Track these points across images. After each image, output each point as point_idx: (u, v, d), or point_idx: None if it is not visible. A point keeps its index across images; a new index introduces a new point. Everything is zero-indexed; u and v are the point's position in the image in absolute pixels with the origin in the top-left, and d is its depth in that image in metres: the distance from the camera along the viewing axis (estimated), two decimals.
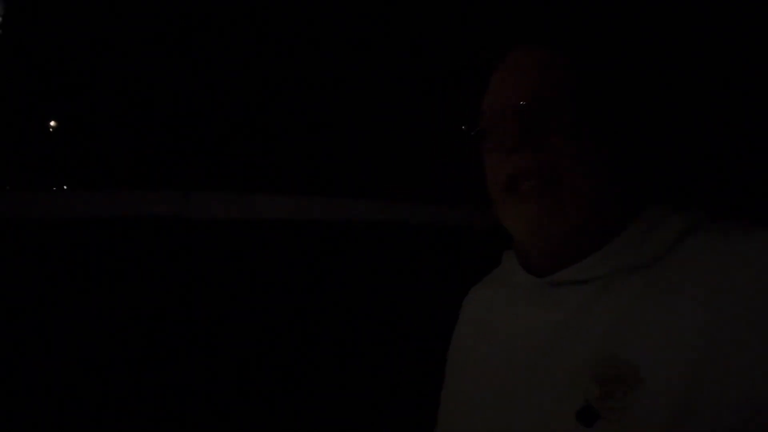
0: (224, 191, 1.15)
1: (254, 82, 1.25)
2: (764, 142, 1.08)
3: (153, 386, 1.05)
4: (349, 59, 1.33)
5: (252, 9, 1.24)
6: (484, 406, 0.61)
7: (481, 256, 0.83)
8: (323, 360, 1.21)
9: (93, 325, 1.03)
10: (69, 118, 1.16)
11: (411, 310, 1.31)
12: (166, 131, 1.19)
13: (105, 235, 1.05)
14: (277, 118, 1.29)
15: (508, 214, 0.61)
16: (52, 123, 1.15)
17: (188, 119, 1.20)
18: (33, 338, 0.98)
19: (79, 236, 1.04)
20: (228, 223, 1.15)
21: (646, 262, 0.54)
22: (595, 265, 0.57)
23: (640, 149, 0.64)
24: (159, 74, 1.17)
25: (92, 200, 1.05)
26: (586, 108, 0.59)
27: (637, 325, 0.51)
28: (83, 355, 1.01)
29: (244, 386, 1.13)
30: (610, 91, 0.62)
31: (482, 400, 0.62)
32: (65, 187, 1.15)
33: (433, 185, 1.40)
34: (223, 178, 1.22)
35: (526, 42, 0.65)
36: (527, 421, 0.55)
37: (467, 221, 1.39)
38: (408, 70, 1.38)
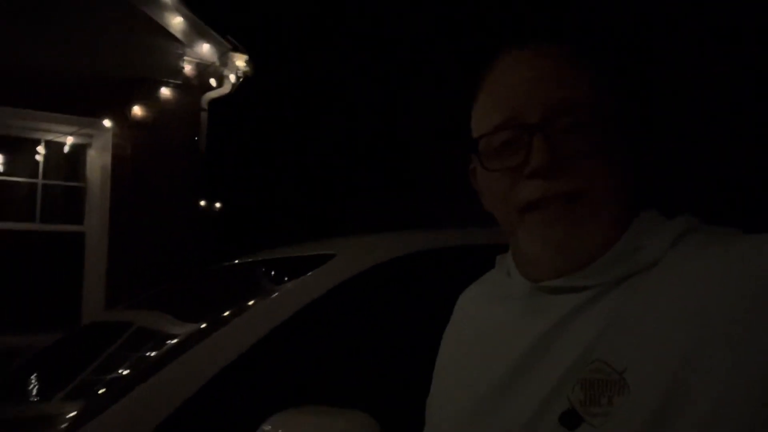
0: None
1: None
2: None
3: None
4: None
5: None
6: (470, 406, 0.61)
7: None
8: None
9: None
10: None
11: None
12: None
13: None
14: None
15: (528, 237, 0.59)
16: None
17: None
18: None
19: None
20: None
21: (642, 268, 0.55)
22: (594, 273, 0.56)
23: (649, 158, 0.65)
24: None
25: None
26: (612, 119, 0.58)
27: (626, 331, 0.51)
28: None
29: None
30: (634, 100, 0.62)
31: (468, 401, 0.62)
32: None
33: None
34: None
35: (537, 38, 0.62)
36: (511, 423, 0.55)
37: None
38: None
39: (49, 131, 3.73)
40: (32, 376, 2.08)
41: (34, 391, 2.01)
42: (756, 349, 0.44)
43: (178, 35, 3.62)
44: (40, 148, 3.68)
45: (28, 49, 3.36)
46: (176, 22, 3.55)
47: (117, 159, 3.88)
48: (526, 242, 0.60)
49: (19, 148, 3.72)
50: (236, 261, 2.09)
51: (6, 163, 3.64)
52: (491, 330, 0.65)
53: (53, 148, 3.75)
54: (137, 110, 3.85)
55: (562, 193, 0.55)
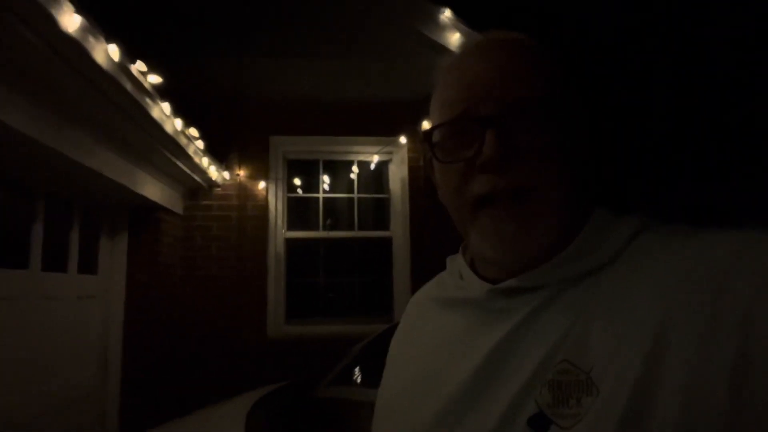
0: None
1: None
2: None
3: None
4: None
5: None
6: (433, 417, 0.58)
7: None
8: None
9: None
10: None
11: None
12: None
13: None
14: None
15: (479, 232, 0.58)
16: None
17: None
18: None
19: None
20: None
21: (599, 267, 0.54)
22: (549, 272, 0.55)
23: (601, 155, 0.61)
24: None
25: None
26: (566, 116, 0.56)
27: (590, 331, 0.50)
28: None
29: None
30: (593, 91, 0.54)
31: (430, 412, 0.58)
32: None
33: None
34: None
35: (499, 27, 0.60)
36: (478, 429, 0.52)
37: None
38: None
39: (360, 153, 4.41)
40: (362, 365, 2.52)
41: (366, 379, 2.43)
42: (722, 336, 0.43)
43: (454, 49, 3.87)
44: (354, 168, 4.37)
45: (339, 84, 4.05)
46: (454, 38, 3.81)
47: (412, 171, 4.36)
48: (477, 240, 0.58)
49: (339, 169, 4.50)
50: None
51: (331, 183, 4.45)
52: (449, 337, 0.63)
53: (363, 166, 4.41)
54: (425, 124, 4.24)
55: (511, 188, 0.54)
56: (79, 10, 1.74)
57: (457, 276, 0.69)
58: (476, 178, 0.56)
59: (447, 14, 3.44)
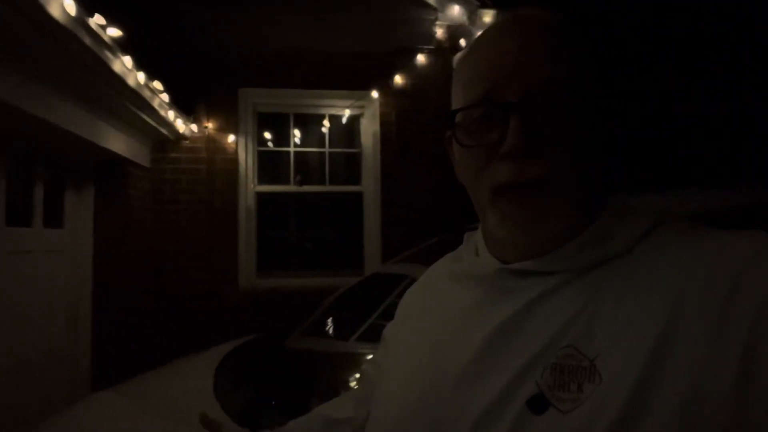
0: None
1: None
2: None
3: None
4: None
5: None
6: (434, 388, 0.59)
7: None
8: None
9: None
10: None
11: None
12: None
13: None
14: None
15: (498, 218, 0.58)
16: None
17: None
18: None
19: None
20: None
21: (611, 257, 0.54)
22: (562, 258, 0.56)
23: (618, 144, 0.61)
24: None
25: None
26: (588, 101, 0.55)
27: (598, 319, 0.50)
28: None
29: None
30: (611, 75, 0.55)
31: (432, 382, 0.60)
32: None
33: None
34: None
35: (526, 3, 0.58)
36: (477, 405, 0.53)
37: None
38: None
39: (331, 107, 4.37)
40: (334, 318, 2.59)
41: (336, 331, 2.51)
42: (732, 332, 0.43)
43: (432, 2, 3.82)
44: (326, 122, 4.34)
45: (312, 36, 3.96)
46: None
47: (384, 125, 4.34)
48: (495, 223, 0.58)
49: (310, 123, 4.46)
50: None
51: (302, 137, 4.42)
52: (459, 311, 0.63)
53: (334, 120, 4.38)
54: (398, 79, 4.21)
55: (534, 177, 0.54)
56: None
57: (473, 252, 0.69)
58: (498, 164, 0.55)
59: None
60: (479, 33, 0.62)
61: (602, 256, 0.55)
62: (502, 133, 0.54)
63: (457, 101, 0.63)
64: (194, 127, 4.04)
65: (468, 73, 0.60)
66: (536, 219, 0.55)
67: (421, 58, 4.18)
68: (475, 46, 0.61)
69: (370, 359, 0.90)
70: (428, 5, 3.83)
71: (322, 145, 4.47)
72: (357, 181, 4.47)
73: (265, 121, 4.41)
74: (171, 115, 3.54)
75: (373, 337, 1.99)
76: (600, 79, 0.58)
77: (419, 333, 0.68)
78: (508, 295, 0.58)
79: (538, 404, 0.50)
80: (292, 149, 4.42)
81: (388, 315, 2.02)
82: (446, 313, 0.65)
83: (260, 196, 4.33)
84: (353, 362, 1.91)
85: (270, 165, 4.42)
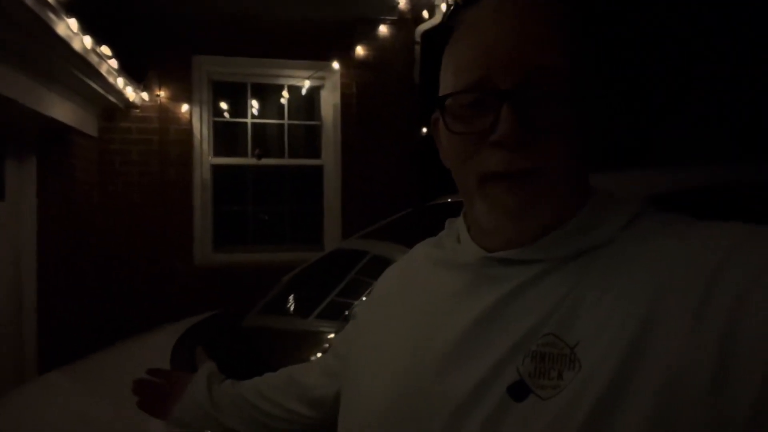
0: None
1: None
2: None
3: None
4: None
5: None
6: (413, 373, 0.59)
7: None
8: None
9: None
10: None
11: None
12: None
13: None
14: None
15: (485, 206, 0.57)
16: None
17: None
18: None
19: None
20: None
21: (595, 246, 0.54)
22: (545, 247, 0.56)
23: (604, 134, 0.60)
24: None
25: None
26: (581, 90, 0.53)
27: (579, 307, 0.51)
28: None
29: None
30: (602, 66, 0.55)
31: (411, 368, 0.59)
32: None
33: None
34: None
35: None
36: (457, 391, 0.53)
37: None
38: None
39: (291, 77, 4.24)
40: (293, 295, 2.55)
41: (297, 308, 2.47)
42: (711, 320, 0.43)
43: None
44: (285, 93, 4.22)
45: (271, 1, 3.81)
46: None
47: (344, 98, 4.26)
48: (483, 210, 0.57)
49: (268, 94, 4.32)
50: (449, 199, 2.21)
51: (260, 108, 4.29)
52: (440, 298, 0.63)
53: (294, 91, 4.26)
54: (359, 50, 4.12)
55: (525, 168, 0.53)
56: None
57: (454, 239, 0.68)
58: (488, 152, 0.54)
59: None
60: (470, 11, 0.58)
61: (586, 245, 0.55)
62: (493, 121, 0.53)
63: (446, 84, 0.60)
64: (145, 95, 3.85)
65: (460, 55, 0.58)
66: (525, 208, 0.54)
67: (383, 29, 4.10)
68: (468, 24, 0.58)
69: (339, 335, 0.89)
70: None
71: (281, 117, 4.35)
72: (317, 154, 4.39)
73: (221, 90, 4.24)
74: (120, 82, 3.35)
75: (334, 314, 1.98)
76: (596, 68, 0.57)
77: (399, 318, 0.67)
78: (491, 283, 0.58)
79: (518, 391, 0.50)
80: (249, 120, 4.29)
81: (349, 292, 2.01)
82: (428, 299, 0.65)
83: (216, 168, 4.20)
84: (314, 340, 1.89)
85: (226, 136, 4.27)
